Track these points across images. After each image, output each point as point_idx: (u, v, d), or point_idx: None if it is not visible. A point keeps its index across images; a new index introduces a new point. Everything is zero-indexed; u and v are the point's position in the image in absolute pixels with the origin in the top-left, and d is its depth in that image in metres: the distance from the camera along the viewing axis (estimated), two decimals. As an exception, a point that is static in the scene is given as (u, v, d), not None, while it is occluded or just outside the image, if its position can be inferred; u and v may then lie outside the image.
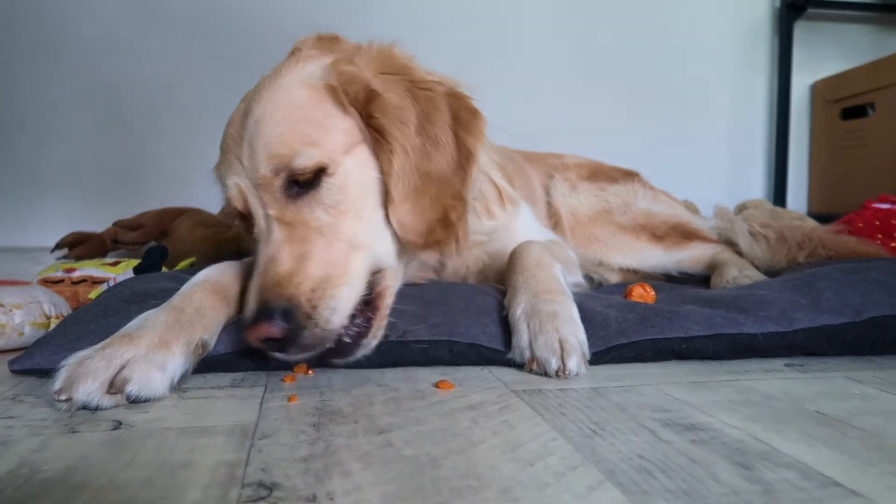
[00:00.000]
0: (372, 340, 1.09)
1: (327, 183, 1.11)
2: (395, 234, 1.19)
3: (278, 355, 1.04)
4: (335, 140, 1.14)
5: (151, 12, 2.85)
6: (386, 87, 1.18)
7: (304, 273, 1.03)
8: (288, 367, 1.12)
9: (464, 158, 1.23)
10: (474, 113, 1.27)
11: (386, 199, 1.17)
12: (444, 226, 1.20)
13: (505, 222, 1.49)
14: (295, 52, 1.30)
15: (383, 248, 1.18)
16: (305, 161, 1.09)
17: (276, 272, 1.03)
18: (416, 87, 1.22)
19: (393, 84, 1.20)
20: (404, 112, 1.18)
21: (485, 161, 1.46)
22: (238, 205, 1.16)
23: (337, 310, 1.03)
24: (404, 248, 1.21)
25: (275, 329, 0.97)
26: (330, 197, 1.11)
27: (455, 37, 3.07)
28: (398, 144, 1.15)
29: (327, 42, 1.33)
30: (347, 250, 1.10)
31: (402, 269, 1.26)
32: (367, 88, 1.16)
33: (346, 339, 1.05)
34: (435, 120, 1.21)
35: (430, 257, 1.40)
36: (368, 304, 1.10)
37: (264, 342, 1.00)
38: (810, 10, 3.32)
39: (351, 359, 1.07)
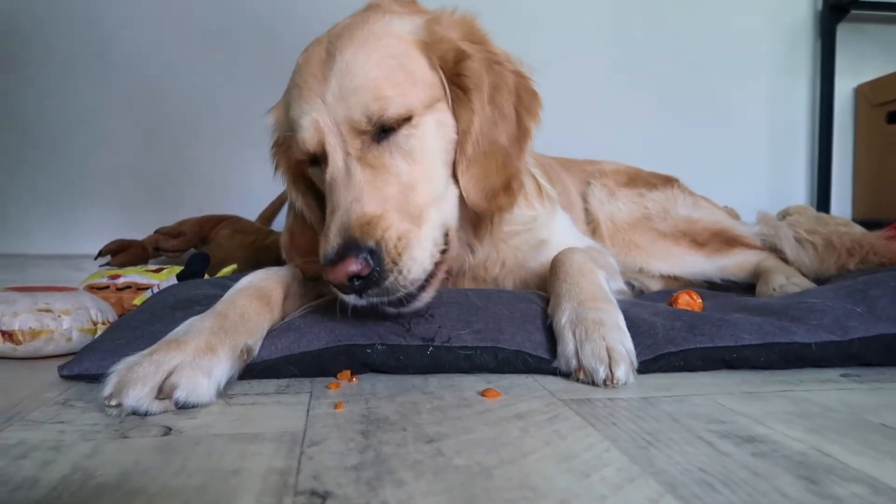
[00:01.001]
0: (426, 297, 1.11)
1: (409, 132, 1.14)
2: (458, 196, 1.23)
3: (352, 298, 1.05)
4: (422, 93, 1.17)
5: (189, 24, 2.90)
6: (463, 44, 1.22)
7: (389, 220, 1.05)
8: (330, 373, 1.12)
9: (521, 134, 1.28)
10: (534, 94, 1.32)
11: (456, 159, 1.21)
12: (507, 192, 1.24)
13: (544, 215, 1.49)
14: (373, 7, 1.31)
15: (450, 208, 1.22)
16: (396, 108, 1.12)
17: (364, 212, 1.04)
18: (492, 59, 1.26)
19: (475, 51, 1.23)
20: (483, 79, 1.22)
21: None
22: (311, 144, 1.16)
23: (418, 261, 1.06)
24: (465, 209, 1.25)
25: (362, 266, 1.00)
26: (409, 145, 1.14)
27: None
28: (478, 106, 1.20)
29: (405, 2, 1.36)
30: (426, 203, 1.13)
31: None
32: (457, 49, 1.20)
33: (412, 291, 1.08)
34: (503, 93, 1.26)
35: (464, 235, 1.38)
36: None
37: (349, 279, 1.01)
38: (853, 12, 3.24)
39: (405, 310, 1.10)
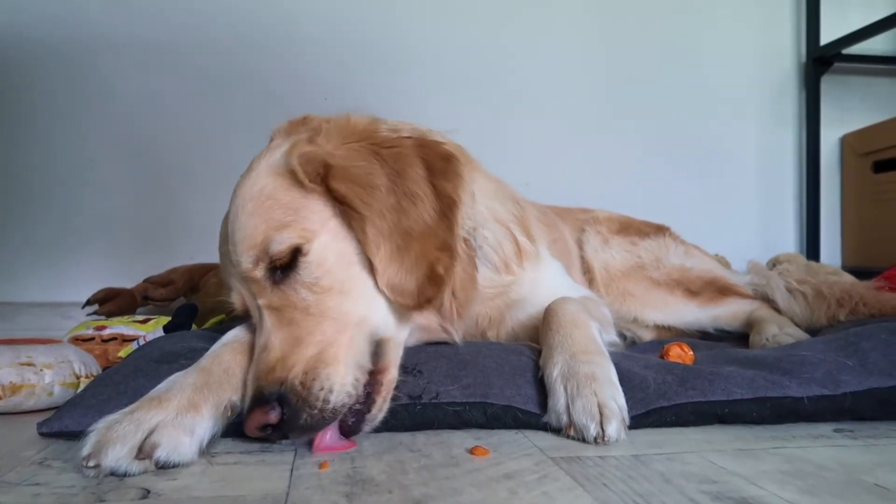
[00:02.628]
0: (378, 414, 1.06)
1: (304, 262, 1.10)
2: (388, 301, 1.15)
3: (283, 443, 1.02)
4: (307, 219, 1.12)
5: (186, 73, 2.93)
6: (348, 157, 1.17)
7: (296, 356, 1.01)
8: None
9: (445, 206, 1.20)
10: (447, 158, 1.24)
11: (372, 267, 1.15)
12: (432, 282, 1.15)
13: (521, 277, 1.45)
14: (270, 142, 1.31)
15: (378, 317, 1.14)
16: (278, 245, 1.09)
17: (268, 359, 1.01)
18: (382, 147, 1.21)
19: (356, 151, 1.19)
20: (371, 176, 1.16)
21: (503, 213, 1.45)
22: (239, 306, 1.17)
23: (333, 390, 0.99)
24: (401, 313, 1.18)
25: (271, 415, 0.95)
26: (309, 275, 1.09)
27: (486, 98, 3.11)
28: (368, 210, 1.13)
29: (296, 125, 1.33)
30: (339, 328, 1.07)
31: (405, 336, 1.21)
32: (323, 164, 1.14)
33: (350, 419, 1.03)
34: (408, 175, 1.19)
35: (431, 321, 1.30)
36: (373, 375, 1.08)
37: (262, 429, 0.97)
38: (837, 65, 3.31)
39: (356, 434, 1.05)
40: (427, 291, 1.14)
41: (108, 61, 2.88)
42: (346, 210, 1.13)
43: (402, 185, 1.18)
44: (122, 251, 2.88)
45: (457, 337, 1.31)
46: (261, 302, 1.09)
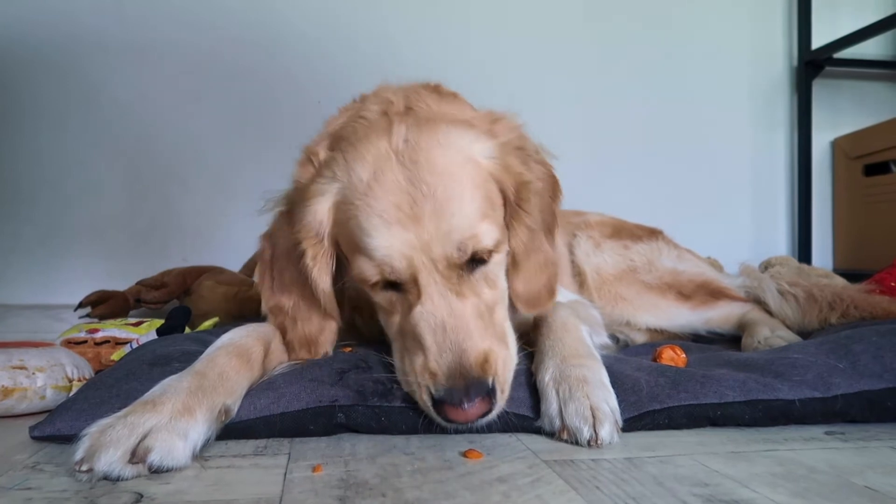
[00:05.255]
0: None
1: (494, 259, 1.17)
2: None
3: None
4: (499, 218, 1.20)
5: (176, 74, 2.93)
6: (525, 170, 1.25)
7: (496, 351, 1.08)
8: (309, 433, 1.09)
9: (552, 220, 1.35)
10: (556, 181, 1.39)
11: (508, 270, 1.25)
12: (549, 292, 1.30)
13: None
14: (422, 114, 1.26)
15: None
16: (489, 241, 1.13)
17: (478, 350, 1.05)
18: (534, 162, 1.31)
19: (524, 161, 1.26)
20: (536, 195, 1.26)
21: None
22: (403, 275, 1.11)
23: (510, 383, 1.10)
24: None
25: (489, 406, 1.03)
26: (493, 272, 1.17)
27: (476, 99, 3.12)
28: (532, 221, 1.24)
29: (449, 99, 1.39)
30: (503, 320, 1.19)
31: None
32: (520, 177, 1.22)
33: None
34: (543, 191, 1.31)
35: None
36: None
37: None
38: (828, 69, 3.34)
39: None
40: (543, 301, 1.30)
41: (97, 62, 2.88)
42: (516, 216, 1.23)
43: (540, 200, 1.29)
44: (115, 253, 2.88)
45: None
46: (451, 287, 1.10)
